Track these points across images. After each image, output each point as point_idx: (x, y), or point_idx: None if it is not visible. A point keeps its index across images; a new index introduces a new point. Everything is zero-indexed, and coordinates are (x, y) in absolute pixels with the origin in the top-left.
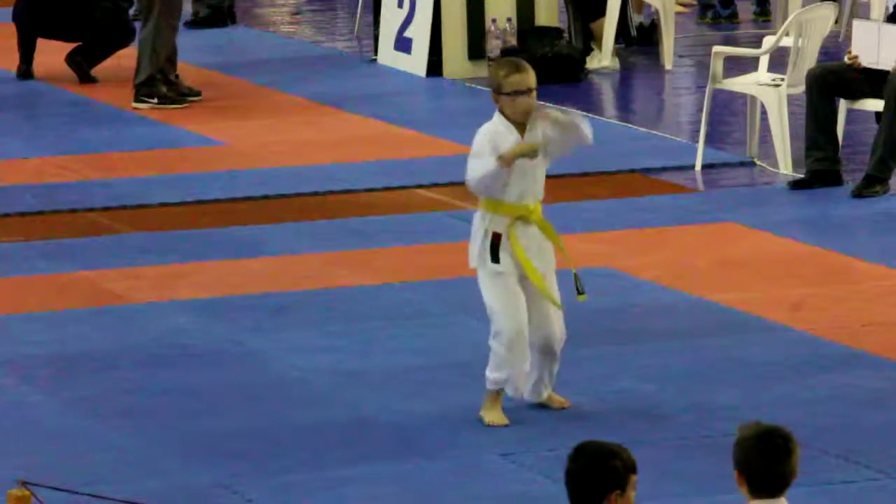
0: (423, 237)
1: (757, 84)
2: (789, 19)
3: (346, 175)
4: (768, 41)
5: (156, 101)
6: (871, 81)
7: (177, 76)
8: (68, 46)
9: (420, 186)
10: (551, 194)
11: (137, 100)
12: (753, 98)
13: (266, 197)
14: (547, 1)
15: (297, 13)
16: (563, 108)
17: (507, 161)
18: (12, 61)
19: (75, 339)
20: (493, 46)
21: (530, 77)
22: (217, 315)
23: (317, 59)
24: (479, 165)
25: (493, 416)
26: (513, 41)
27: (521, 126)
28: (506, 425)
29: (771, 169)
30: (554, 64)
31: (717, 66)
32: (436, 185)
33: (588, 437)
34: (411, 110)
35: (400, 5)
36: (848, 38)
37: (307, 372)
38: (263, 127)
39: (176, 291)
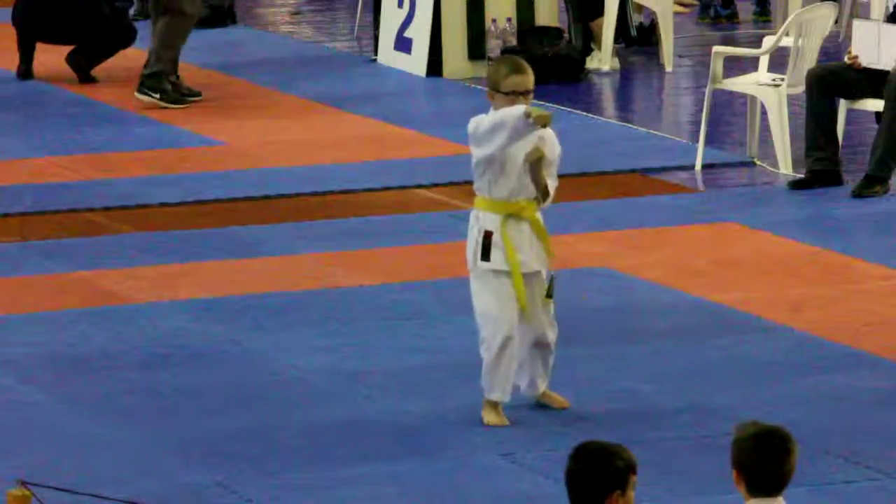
0: (423, 237)
1: (757, 84)
2: (789, 19)
3: (346, 175)
4: (768, 41)
5: (158, 96)
6: (871, 81)
7: (177, 77)
8: (68, 47)
9: (420, 186)
10: None
11: (141, 91)
12: (753, 98)
13: (266, 197)
14: (547, 1)
15: (297, 13)
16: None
17: (530, 114)
18: (12, 61)
19: (75, 339)
20: (493, 46)
21: (529, 79)
22: (217, 315)
23: (317, 59)
24: (500, 115)
25: (492, 417)
26: (513, 41)
27: None
28: (505, 425)
29: (771, 169)
30: (554, 64)
31: (717, 66)
32: (436, 185)
33: (588, 437)
34: (411, 110)
35: (400, 5)
36: (848, 38)
37: (307, 372)
38: (263, 127)
39: (176, 291)
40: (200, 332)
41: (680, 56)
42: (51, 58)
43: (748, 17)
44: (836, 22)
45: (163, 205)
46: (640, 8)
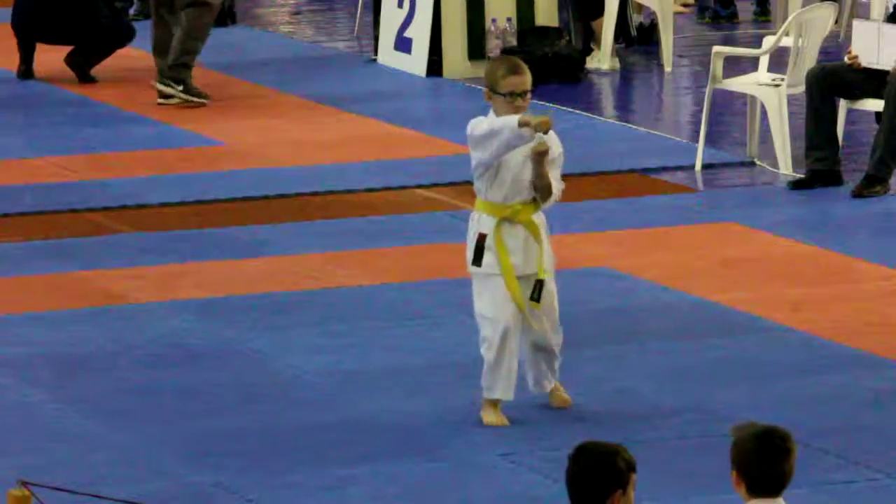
0: (423, 237)
1: (757, 84)
2: (789, 19)
3: (346, 175)
4: (768, 41)
5: (181, 88)
6: (871, 81)
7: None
8: (68, 47)
9: (420, 186)
10: None
11: (162, 81)
12: (753, 98)
13: (266, 197)
14: (547, 1)
15: (297, 13)
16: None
17: (526, 122)
18: (12, 61)
19: (75, 339)
20: (493, 46)
21: (527, 79)
22: (217, 315)
23: (317, 59)
24: (492, 124)
25: (491, 417)
26: (513, 41)
27: None
28: (505, 425)
29: (771, 169)
30: (554, 64)
31: (717, 66)
32: (436, 185)
33: (588, 437)
34: (411, 110)
35: (400, 5)
36: (848, 38)
37: (307, 372)
38: (263, 127)
39: (176, 291)
40: (200, 332)
41: (680, 56)
42: (51, 58)
43: (748, 17)
44: (836, 22)
45: (163, 205)
46: (640, 8)
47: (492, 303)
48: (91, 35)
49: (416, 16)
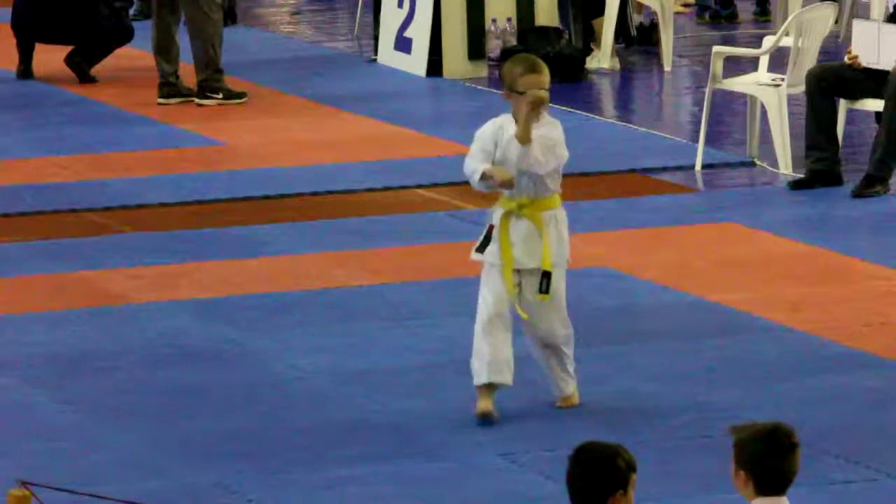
0: (423, 237)
1: (757, 84)
2: (789, 19)
3: (346, 175)
4: (768, 41)
5: (221, 96)
6: (871, 81)
7: (177, 77)
8: (67, 47)
9: (420, 186)
10: None
11: (202, 96)
12: (753, 98)
13: (266, 197)
14: (547, 1)
15: (297, 13)
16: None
17: (490, 176)
18: (12, 61)
19: (75, 339)
20: (493, 46)
21: (545, 78)
22: (217, 315)
23: (317, 59)
24: (469, 164)
25: (479, 403)
26: (513, 41)
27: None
28: (490, 412)
29: (771, 169)
30: (554, 64)
31: (717, 66)
32: (436, 185)
33: (588, 437)
34: (411, 110)
35: (400, 5)
36: (848, 38)
37: (307, 372)
38: (263, 127)
39: (176, 291)
40: (200, 332)
41: (679, 56)
42: (51, 58)
43: (748, 17)
44: (836, 22)
45: (163, 205)
46: (640, 7)
47: (486, 291)
48: (91, 35)
49: (416, 16)
